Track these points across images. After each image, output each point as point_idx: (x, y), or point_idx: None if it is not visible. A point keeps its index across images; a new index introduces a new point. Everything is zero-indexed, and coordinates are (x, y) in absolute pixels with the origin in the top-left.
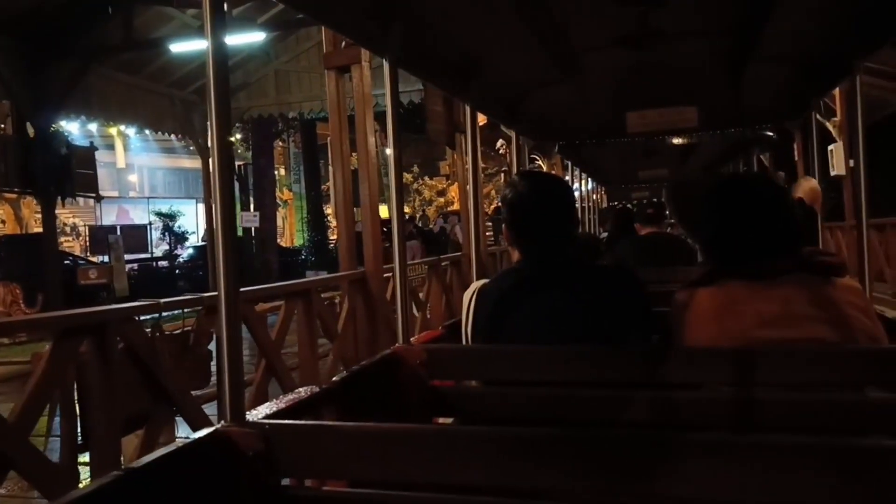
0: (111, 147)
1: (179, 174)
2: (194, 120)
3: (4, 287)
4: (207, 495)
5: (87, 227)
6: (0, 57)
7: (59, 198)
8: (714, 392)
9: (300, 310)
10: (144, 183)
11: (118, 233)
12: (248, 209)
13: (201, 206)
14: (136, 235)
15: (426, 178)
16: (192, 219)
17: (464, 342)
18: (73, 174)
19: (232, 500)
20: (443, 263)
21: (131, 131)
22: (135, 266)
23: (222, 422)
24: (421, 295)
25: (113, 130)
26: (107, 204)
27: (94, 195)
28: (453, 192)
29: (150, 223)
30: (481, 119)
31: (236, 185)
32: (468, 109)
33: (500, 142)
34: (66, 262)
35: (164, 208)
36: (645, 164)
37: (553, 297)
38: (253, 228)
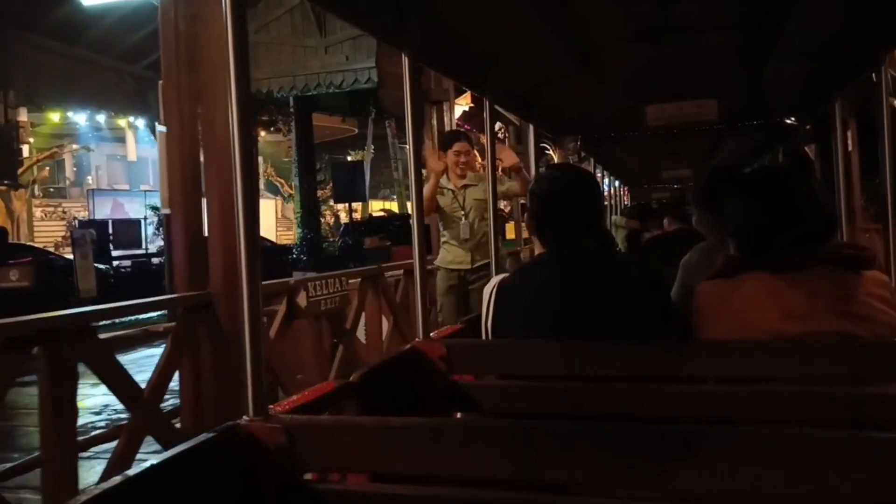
0: (122, 140)
1: None
2: (150, 99)
3: None
4: (231, 488)
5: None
6: None
7: None
8: (737, 386)
9: None
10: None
11: (109, 227)
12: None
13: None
14: (129, 230)
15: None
16: None
17: (483, 337)
18: None
19: (255, 493)
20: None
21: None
22: (128, 263)
23: (244, 416)
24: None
25: (123, 122)
26: (101, 196)
27: (8, 182)
28: None
29: (145, 217)
30: (468, 98)
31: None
32: (486, 103)
33: (498, 125)
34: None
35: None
36: (668, 163)
37: (573, 291)
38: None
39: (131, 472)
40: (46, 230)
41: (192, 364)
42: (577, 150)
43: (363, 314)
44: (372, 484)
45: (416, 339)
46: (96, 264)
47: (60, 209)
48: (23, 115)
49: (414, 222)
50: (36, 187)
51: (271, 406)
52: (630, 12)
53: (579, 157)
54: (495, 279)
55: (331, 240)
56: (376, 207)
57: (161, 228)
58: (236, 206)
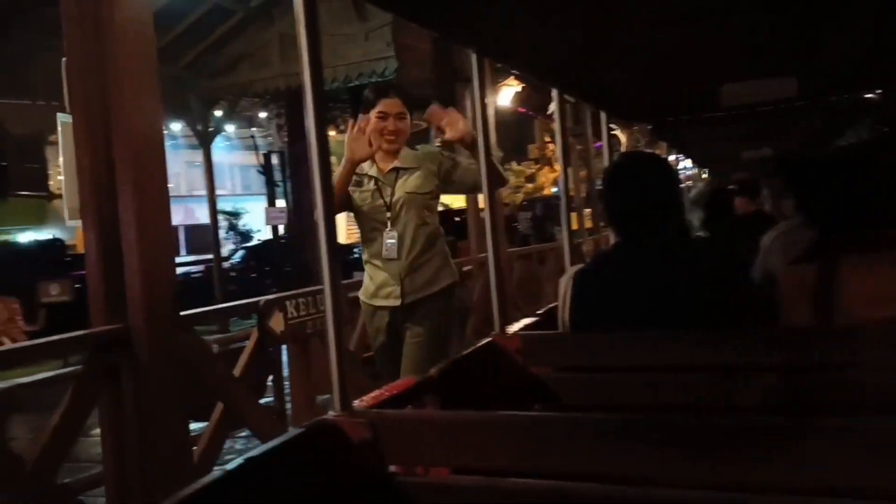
0: (197, 147)
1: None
2: (190, 101)
3: (1, 303)
4: (319, 481)
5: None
6: None
7: None
8: (827, 373)
9: None
10: (237, 182)
11: (181, 233)
12: (275, 204)
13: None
14: (201, 235)
15: (513, 164)
16: (261, 216)
17: (560, 328)
18: (8, 169)
19: (342, 486)
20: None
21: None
22: (201, 268)
23: (330, 412)
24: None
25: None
26: (173, 203)
27: (43, 194)
28: (543, 176)
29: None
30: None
31: (261, 177)
32: (556, 93)
33: (552, 105)
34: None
35: (229, 206)
36: (747, 144)
37: (652, 279)
38: (282, 226)
39: (230, 465)
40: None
41: (111, 418)
42: (647, 133)
43: None
44: (454, 476)
45: (493, 333)
46: None
47: None
48: None
49: (488, 212)
50: None
51: (355, 401)
52: None
53: (650, 141)
54: (571, 269)
55: None
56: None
57: (231, 232)
58: (317, 208)
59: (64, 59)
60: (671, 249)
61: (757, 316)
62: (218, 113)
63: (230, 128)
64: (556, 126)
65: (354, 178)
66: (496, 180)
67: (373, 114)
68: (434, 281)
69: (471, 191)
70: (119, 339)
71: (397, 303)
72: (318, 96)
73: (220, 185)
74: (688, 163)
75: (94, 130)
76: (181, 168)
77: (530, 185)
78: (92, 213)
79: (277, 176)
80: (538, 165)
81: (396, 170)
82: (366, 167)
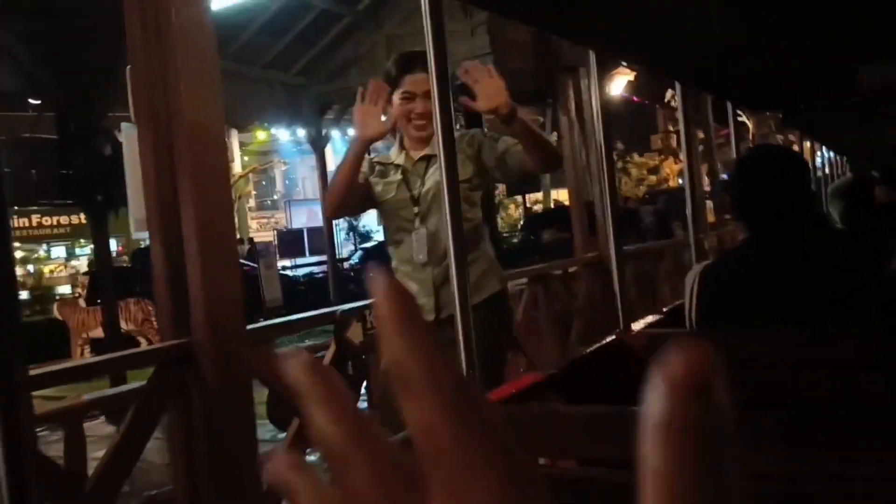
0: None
1: None
2: (302, 107)
3: (136, 304)
4: None
5: (274, 232)
6: (22, 46)
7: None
8: None
9: None
10: None
11: (304, 235)
12: None
13: None
14: (321, 237)
15: (634, 156)
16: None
17: (687, 326)
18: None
19: None
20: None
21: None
22: (324, 268)
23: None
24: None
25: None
26: (297, 207)
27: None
28: (668, 168)
29: (336, 223)
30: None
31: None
32: (679, 87)
33: (668, 93)
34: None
35: None
36: (889, 130)
37: (783, 275)
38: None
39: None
40: (261, 240)
41: (178, 437)
42: (778, 121)
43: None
44: (582, 468)
45: (617, 331)
46: (286, 272)
47: (273, 220)
48: (233, 136)
49: (606, 206)
50: (252, 201)
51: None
52: None
53: (781, 127)
54: (697, 267)
55: (516, 233)
56: (563, 197)
57: (351, 233)
58: (444, 214)
59: (128, 66)
60: (803, 244)
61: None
62: (330, 117)
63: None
64: (679, 117)
65: (378, 167)
66: (553, 160)
67: (397, 95)
68: (478, 288)
69: (519, 179)
70: (185, 354)
71: (430, 317)
72: (445, 97)
73: None
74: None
75: (158, 141)
76: (307, 172)
77: (653, 178)
78: (157, 224)
79: None
80: (662, 157)
81: (428, 158)
82: (392, 155)
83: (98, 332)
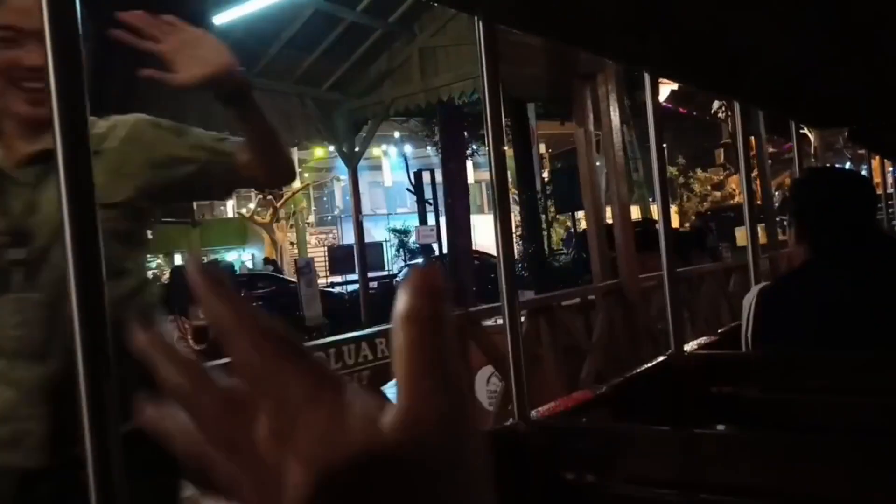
0: (378, 167)
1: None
2: (336, 121)
3: (171, 321)
4: (500, 484)
5: (326, 248)
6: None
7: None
8: None
9: None
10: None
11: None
12: (427, 222)
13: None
14: (373, 253)
15: (698, 171)
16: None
17: (743, 348)
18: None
19: (522, 488)
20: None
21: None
22: (374, 284)
23: (511, 419)
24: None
25: (377, 150)
26: (347, 222)
27: (188, 221)
28: (734, 183)
29: (387, 240)
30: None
31: (411, 195)
32: (736, 107)
33: (715, 104)
34: (262, 288)
35: (399, 224)
36: None
37: (844, 299)
38: (436, 245)
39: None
40: (320, 255)
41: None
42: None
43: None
44: (628, 485)
45: (669, 351)
46: (331, 289)
47: (331, 235)
48: (293, 153)
49: (661, 226)
50: (312, 216)
51: (533, 411)
52: None
53: (845, 143)
54: (756, 287)
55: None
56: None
57: (401, 249)
58: (495, 225)
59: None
60: (866, 268)
61: None
62: (364, 133)
63: (408, 148)
64: (738, 135)
65: None
66: (287, 171)
67: None
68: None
69: (221, 196)
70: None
71: (34, 461)
72: (497, 114)
73: (401, 203)
74: None
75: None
76: (365, 188)
77: (718, 193)
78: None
79: (432, 193)
80: (727, 171)
81: (44, 157)
82: None
83: None
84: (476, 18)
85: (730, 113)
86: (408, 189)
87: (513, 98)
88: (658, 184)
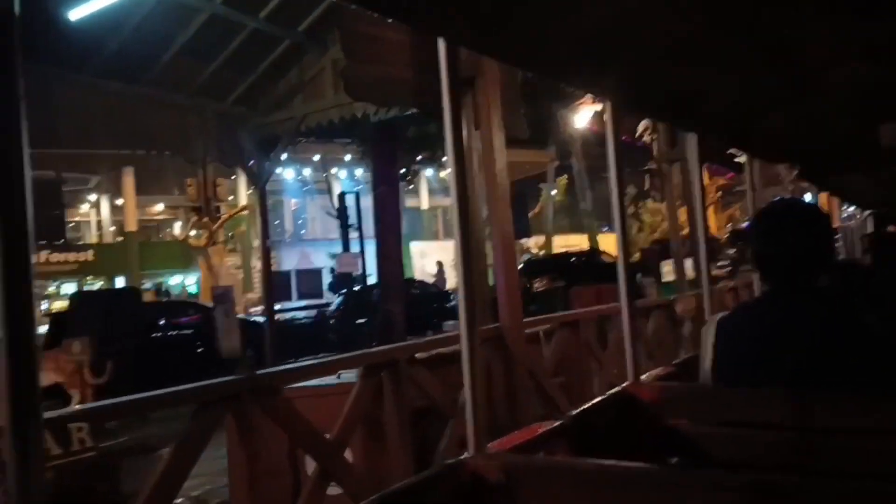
0: (326, 192)
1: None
2: (241, 140)
3: (67, 354)
4: None
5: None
6: None
7: None
8: None
9: None
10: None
11: (292, 278)
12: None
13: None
14: (310, 280)
15: (647, 202)
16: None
17: (701, 378)
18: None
19: None
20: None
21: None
22: (312, 313)
23: (465, 452)
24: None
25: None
26: (289, 248)
27: (59, 240)
28: (683, 214)
29: (329, 266)
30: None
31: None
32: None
33: (641, 125)
34: (186, 316)
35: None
36: None
37: (794, 333)
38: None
39: (374, 496)
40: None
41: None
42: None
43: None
44: None
45: (627, 383)
46: (258, 319)
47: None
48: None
49: (620, 258)
50: (258, 240)
51: (489, 444)
52: (853, 33)
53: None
54: (714, 318)
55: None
56: (567, 243)
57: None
58: (457, 252)
59: None
60: (824, 301)
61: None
62: (283, 154)
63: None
64: (691, 167)
65: None
66: None
67: None
68: None
69: None
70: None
71: None
72: (458, 137)
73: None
74: None
75: None
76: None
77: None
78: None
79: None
80: (679, 202)
81: None
82: None
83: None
84: (439, 40)
85: (654, 137)
86: (328, 213)
87: (374, 106)
88: (617, 214)
